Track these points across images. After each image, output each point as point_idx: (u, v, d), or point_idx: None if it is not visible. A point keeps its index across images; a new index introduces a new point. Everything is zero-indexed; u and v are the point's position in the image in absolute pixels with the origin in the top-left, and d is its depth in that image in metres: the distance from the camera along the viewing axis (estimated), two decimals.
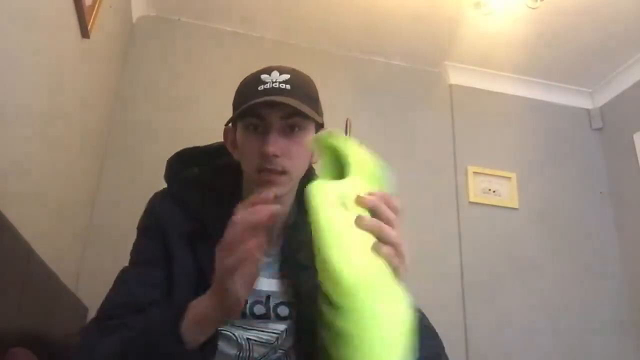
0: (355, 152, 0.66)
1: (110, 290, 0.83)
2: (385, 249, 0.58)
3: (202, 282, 0.84)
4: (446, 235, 2.29)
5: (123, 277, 0.84)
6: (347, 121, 2.24)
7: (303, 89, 0.84)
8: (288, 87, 0.81)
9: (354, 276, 0.49)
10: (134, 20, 2.28)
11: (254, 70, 0.90)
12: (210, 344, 0.67)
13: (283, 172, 0.82)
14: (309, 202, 0.57)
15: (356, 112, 2.31)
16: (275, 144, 0.80)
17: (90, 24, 1.49)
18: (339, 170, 0.67)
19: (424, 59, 2.57)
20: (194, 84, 2.27)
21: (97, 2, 1.54)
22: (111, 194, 1.98)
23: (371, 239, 0.56)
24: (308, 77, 0.88)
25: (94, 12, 1.52)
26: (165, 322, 0.66)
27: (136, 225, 0.92)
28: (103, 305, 0.81)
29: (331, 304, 0.50)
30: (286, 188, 0.85)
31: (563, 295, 2.31)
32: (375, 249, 0.57)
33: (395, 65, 2.59)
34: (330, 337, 0.50)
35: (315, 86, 0.88)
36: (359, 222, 0.58)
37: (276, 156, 0.80)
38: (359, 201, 0.60)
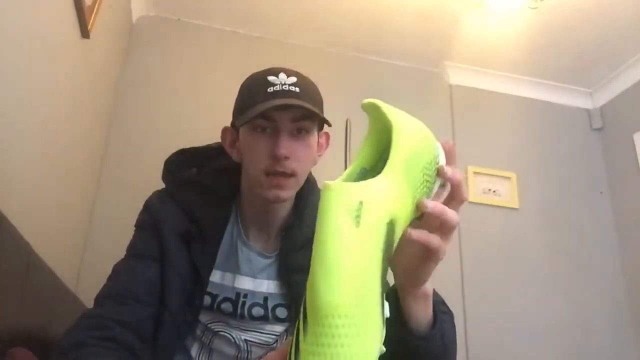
0: (404, 137, 0.54)
1: (105, 283, 0.83)
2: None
3: (196, 282, 0.84)
4: None
5: (116, 270, 0.85)
6: (347, 121, 2.24)
7: (311, 92, 0.84)
8: (297, 89, 0.81)
9: (325, 302, 0.44)
10: (134, 20, 2.28)
11: (253, 70, 0.89)
12: None
13: (291, 175, 0.82)
14: (321, 203, 0.48)
15: (356, 112, 2.30)
16: (286, 147, 0.80)
17: (90, 24, 1.49)
18: (383, 144, 0.57)
19: (424, 59, 2.57)
20: (194, 84, 2.27)
21: (97, 2, 1.54)
22: (111, 194, 1.98)
23: (372, 264, 0.47)
24: (312, 81, 0.88)
25: (94, 12, 1.52)
26: None
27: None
28: (96, 298, 0.81)
29: (304, 315, 0.46)
30: (292, 192, 0.85)
31: (563, 295, 2.31)
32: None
33: (395, 65, 2.59)
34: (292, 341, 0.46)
35: (318, 90, 0.88)
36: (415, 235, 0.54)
37: (287, 158, 0.80)
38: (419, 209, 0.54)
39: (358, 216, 0.47)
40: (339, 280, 0.45)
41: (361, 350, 0.44)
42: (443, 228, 0.57)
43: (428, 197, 0.56)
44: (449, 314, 0.72)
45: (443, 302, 0.73)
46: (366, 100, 0.58)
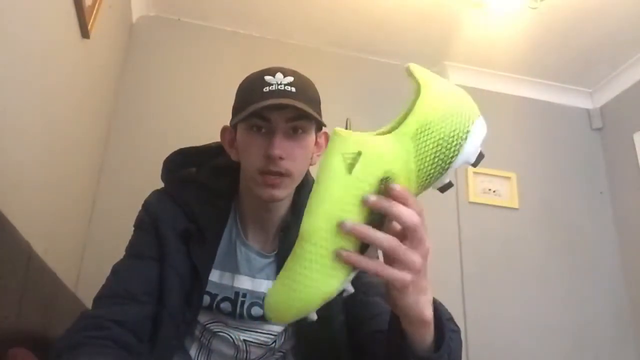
0: (425, 104, 0.53)
1: (104, 283, 0.84)
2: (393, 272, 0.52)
3: (195, 281, 0.84)
4: (446, 235, 2.29)
5: (115, 269, 0.85)
6: (347, 121, 2.25)
7: (307, 91, 0.84)
8: (293, 89, 0.81)
9: (305, 228, 0.53)
10: (134, 20, 2.28)
11: (253, 70, 0.89)
12: None
13: (286, 175, 0.82)
14: (328, 145, 0.53)
15: (356, 112, 2.31)
16: (280, 146, 0.80)
17: (90, 24, 1.49)
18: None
19: (424, 59, 2.57)
20: (194, 84, 2.27)
21: (97, 2, 1.54)
22: (111, 194, 1.98)
23: (352, 210, 0.51)
24: (309, 80, 0.88)
25: (94, 12, 1.52)
26: None
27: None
28: (95, 298, 0.81)
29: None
30: (287, 191, 0.85)
31: (563, 295, 2.31)
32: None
33: (395, 65, 2.59)
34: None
35: (316, 89, 0.88)
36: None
37: (281, 158, 0.80)
38: (366, 203, 0.51)
39: (352, 164, 0.51)
40: (317, 213, 0.52)
41: (320, 278, 0.51)
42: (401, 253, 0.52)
43: (441, 173, 0.53)
44: (457, 332, 0.72)
45: (451, 319, 0.73)
46: (407, 64, 0.58)
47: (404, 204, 0.51)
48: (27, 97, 1.13)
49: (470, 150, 0.52)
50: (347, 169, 0.51)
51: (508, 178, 2.46)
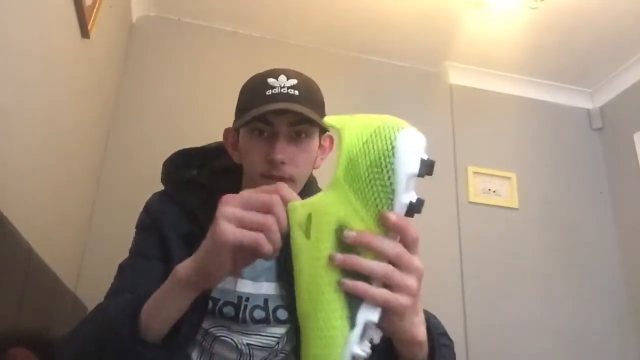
0: (343, 146, 0.53)
1: (112, 282, 0.84)
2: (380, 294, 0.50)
3: None
4: (446, 235, 2.29)
5: (120, 269, 0.85)
6: None
7: (310, 94, 0.83)
8: (296, 92, 0.81)
9: (298, 311, 0.53)
10: (134, 20, 2.28)
11: (254, 70, 0.89)
12: (172, 342, 0.61)
13: (289, 180, 0.81)
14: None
15: (356, 112, 2.30)
16: (283, 151, 0.80)
17: (90, 24, 1.49)
18: None
19: (424, 59, 2.57)
20: (194, 84, 2.27)
21: (97, 2, 1.54)
22: (111, 194, 1.98)
23: (324, 274, 0.50)
24: (314, 81, 0.87)
25: (94, 12, 1.52)
26: (125, 310, 0.61)
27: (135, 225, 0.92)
28: (105, 296, 0.81)
29: None
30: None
31: (563, 295, 2.31)
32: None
33: (395, 65, 2.59)
34: None
35: (321, 91, 0.87)
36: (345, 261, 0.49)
37: (283, 163, 0.80)
38: (333, 262, 0.49)
39: (308, 228, 0.52)
40: (299, 292, 0.52)
41: (319, 353, 0.49)
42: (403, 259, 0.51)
43: (391, 198, 0.50)
44: (450, 346, 0.70)
45: (444, 334, 0.71)
46: (323, 119, 0.59)
47: (368, 247, 0.49)
48: (27, 97, 1.13)
49: (405, 163, 0.50)
50: (306, 236, 0.51)
51: (508, 178, 2.46)
